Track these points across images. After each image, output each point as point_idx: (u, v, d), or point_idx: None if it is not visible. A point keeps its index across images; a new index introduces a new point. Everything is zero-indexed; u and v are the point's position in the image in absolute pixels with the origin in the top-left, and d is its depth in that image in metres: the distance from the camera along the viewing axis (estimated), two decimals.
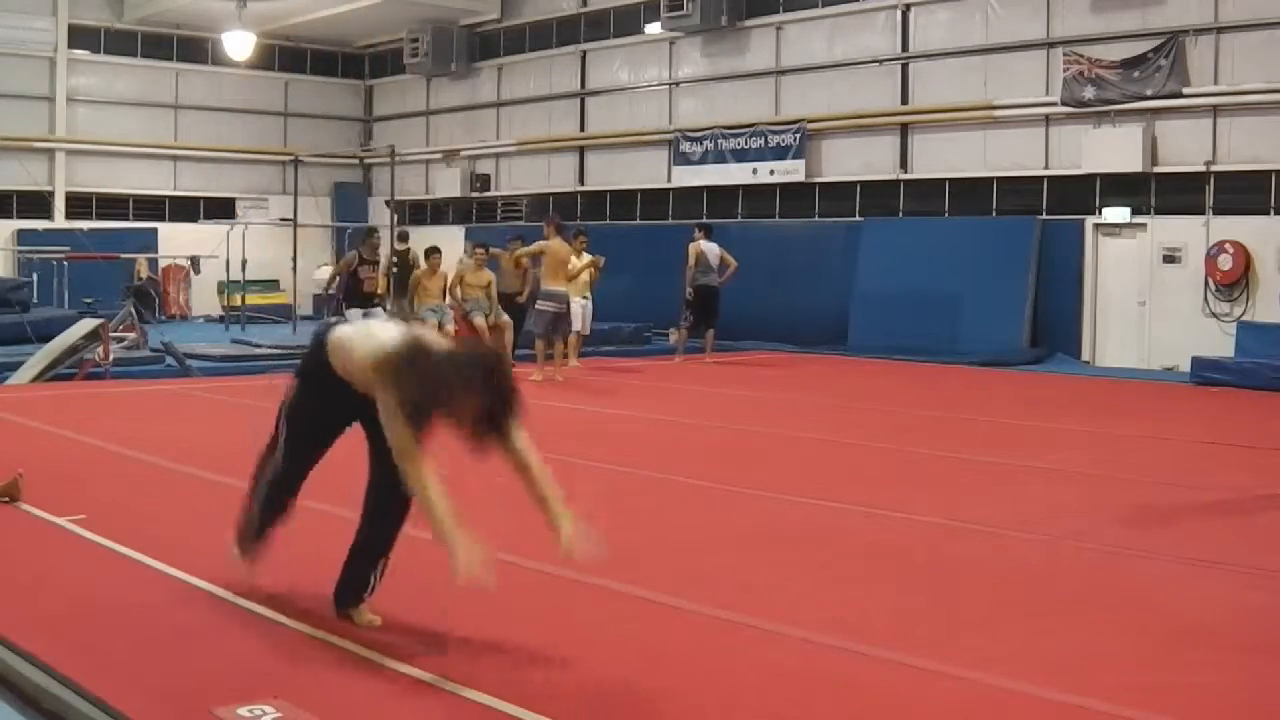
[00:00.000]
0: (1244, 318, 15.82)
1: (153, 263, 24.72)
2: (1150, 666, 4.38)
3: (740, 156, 21.01)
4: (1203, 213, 16.39)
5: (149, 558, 5.67)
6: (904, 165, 19.64)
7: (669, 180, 22.30)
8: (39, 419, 10.35)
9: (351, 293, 14.62)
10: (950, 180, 19.09)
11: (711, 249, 16.79)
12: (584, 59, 24.34)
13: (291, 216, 21.93)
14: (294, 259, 21.01)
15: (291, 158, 24.23)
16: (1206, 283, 16.24)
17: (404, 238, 18.38)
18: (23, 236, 24.09)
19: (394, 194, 19.57)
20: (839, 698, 4.03)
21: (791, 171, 20.50)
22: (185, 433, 9.92)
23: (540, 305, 14.74)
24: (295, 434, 4.83)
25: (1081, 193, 17.61)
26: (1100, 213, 17.41)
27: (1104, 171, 17.21)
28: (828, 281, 19.67)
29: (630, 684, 4.11)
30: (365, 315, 14.58)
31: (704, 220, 18.77)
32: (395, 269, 16.87)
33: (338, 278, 14.94)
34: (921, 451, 9.30)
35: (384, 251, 15.81)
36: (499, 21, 25.76)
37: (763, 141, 20.81)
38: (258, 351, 16.95)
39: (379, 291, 15.05)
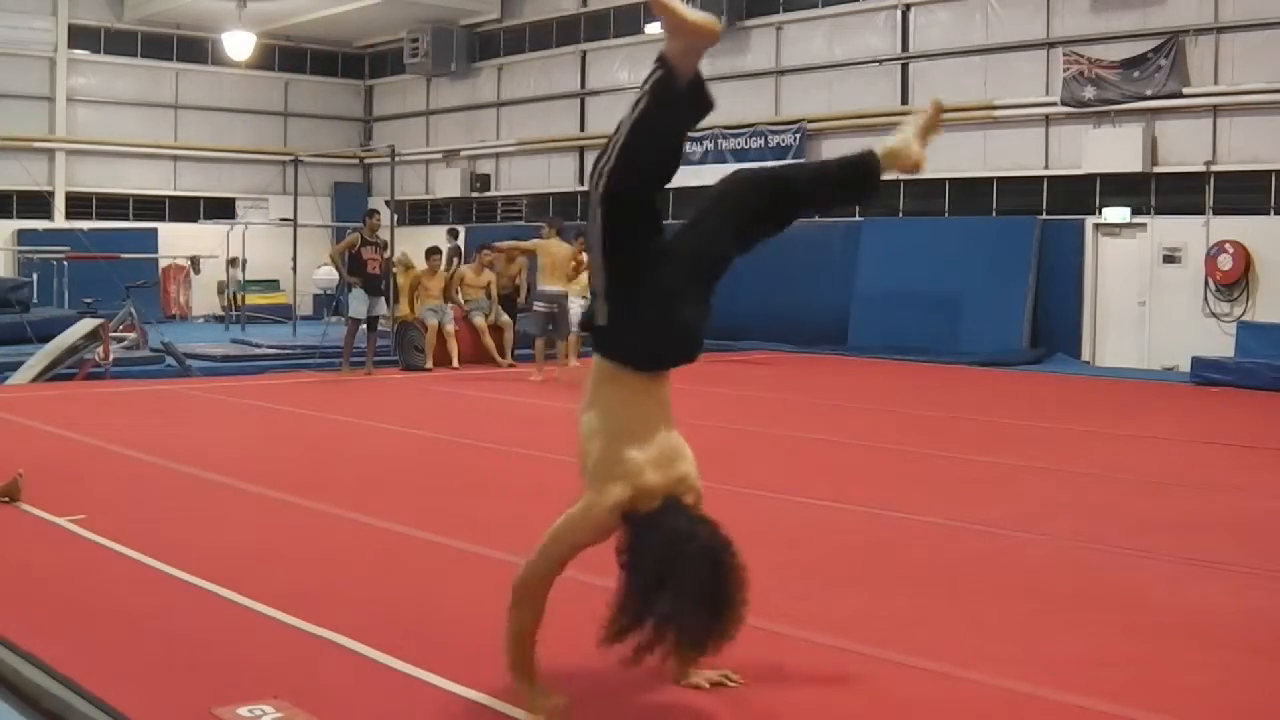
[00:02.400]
0: (1244, 318, 15.82)
1: (152, 263, 24.73)
2: (1150, 666, 4.38)
3: (740, 156, 21.00)
4: (1203, 213, 16.39)
5: (149, 558, 5.66)
6: None
7: None
8: (39, 419, 10.35)
9: (355, 272, 14.63)
10: (950, 180, 19.09)
11: None
12: (584, 59, 24.34)
13: (291, 216, 21.93)
14: (294, 259, 21.03)
15: (291, 158, 24.23)
16: (1206, 283, 16.24)
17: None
18: (23, 236, 24.10)
19: (394, 194, 19.55)
20: (839, 698, 4.03)
21: None
22: (185, 433, 9.92)
23: (535, 306, 14.79)
24: None
25: (1081, 193, 17.61)
26: (1100, 213, 17.41)
27: (1104, 171, 17.21)
28: (828, 281, 19.66)
29: (630, 684, 4.10)
30: (371, 302, 14.61)
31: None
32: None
33: (342, 255, 14.89)
34: (921, 451, 9.30)
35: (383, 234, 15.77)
36: (499, 21, 25.76)
37: (763, 141, 20.81)
38: (258, 351, 16.96)
39: (380, 273, 15.02)
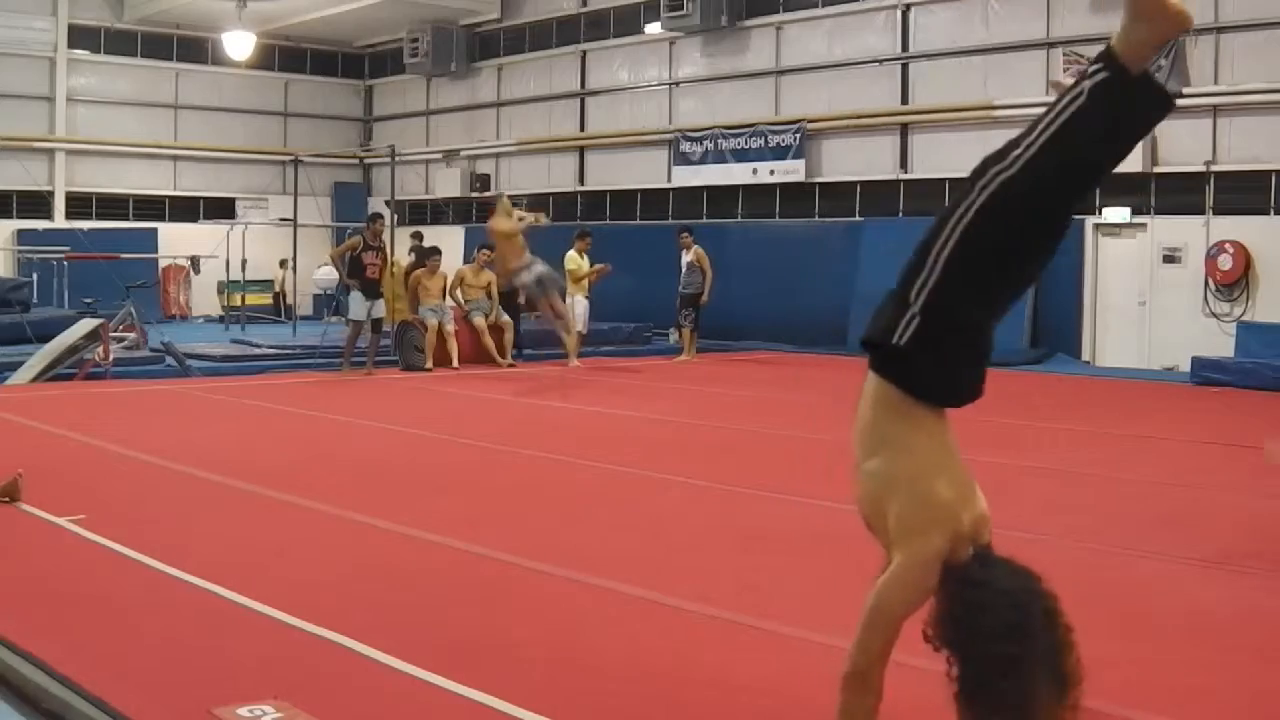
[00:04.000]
0: (1244, 318, 15.81)
1: (152, 263, 24.72)
2: (1150, 666, 4.38)
3: (740, 156, 21.01)
4: (1203, 213, 16.38)
5: (149, 558, 5.66)
6: (904, 165, 19.63)
7: (669, 180, 22.28)
8: (39, 419, 10.35)
9: (354, 275, 14.63)
10: (950, 180, 19.04)
11: None
12: (584, 59, 24.33)
13: (291, 216, 21.93)
14: (294, 259, 21.02)
15: (291, 158, 24.23)
16: (1206, 283, 16.23)
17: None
18: (23, 236, 24.09)
19: (394, 194, 19.55)
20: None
21: (791, 171, 20.50)
22: (185, 433, 9.92)
23: (524, 280, 15.45)
24: None
25: None
26: (1100, 213, 17.39)
27: None
28: (828, 281, 19.64)
29: (630, 683, 4.11)
30: (371, 304, 14.61)
31: (689, 222, 18.78)
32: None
33: (343, 256, 14.92)
34: None
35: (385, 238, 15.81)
36: (499, 21, 25.76)
37: (762, 141, 20.80)
38: (257, 351, 16.96)
39: (380, 279, 15.03)
